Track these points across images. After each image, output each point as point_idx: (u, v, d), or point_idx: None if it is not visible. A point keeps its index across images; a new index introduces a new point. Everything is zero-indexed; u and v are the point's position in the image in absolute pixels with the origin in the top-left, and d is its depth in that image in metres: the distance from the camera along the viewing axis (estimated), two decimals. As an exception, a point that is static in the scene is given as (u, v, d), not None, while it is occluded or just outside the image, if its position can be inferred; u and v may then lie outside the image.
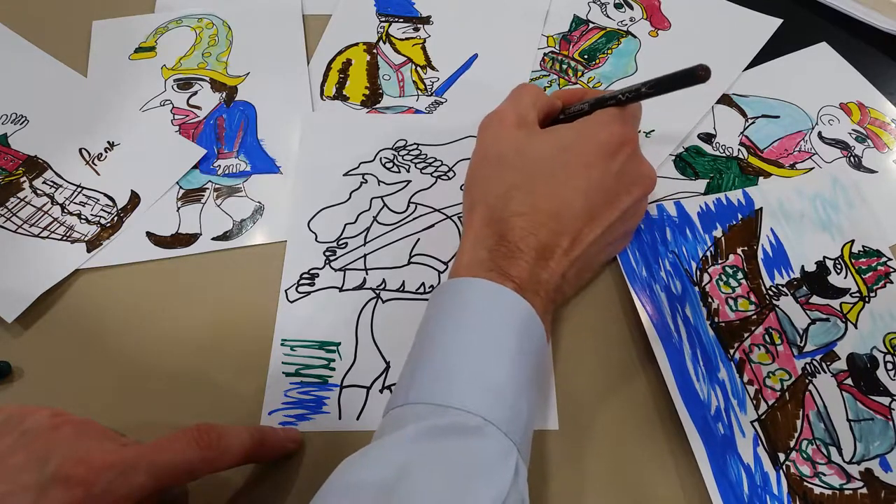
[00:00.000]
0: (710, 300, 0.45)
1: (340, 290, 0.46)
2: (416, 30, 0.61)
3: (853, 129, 0.55)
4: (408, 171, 0.52)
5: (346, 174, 0.51)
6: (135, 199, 0.50)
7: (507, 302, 0.35)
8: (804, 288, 0.46)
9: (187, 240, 0.48)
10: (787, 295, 0.46)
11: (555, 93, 0.46)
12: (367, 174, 0.51)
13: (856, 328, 0.44)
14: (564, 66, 0.58)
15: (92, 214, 0.49)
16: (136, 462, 0.31)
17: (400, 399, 0.33)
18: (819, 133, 0.55)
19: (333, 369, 0.43)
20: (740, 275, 0.46)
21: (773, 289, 0.46)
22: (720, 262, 0.47)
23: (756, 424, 0.41)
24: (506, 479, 0.30)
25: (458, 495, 0.29)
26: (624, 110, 0.41)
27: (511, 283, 0.36)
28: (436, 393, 0.32)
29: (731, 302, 0.45)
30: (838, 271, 0.47)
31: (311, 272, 0.47)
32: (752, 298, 0.45)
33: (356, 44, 0.60)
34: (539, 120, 0.42)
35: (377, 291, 0.46)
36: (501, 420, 0.31)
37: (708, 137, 0.54)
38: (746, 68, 0.58)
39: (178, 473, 0.32)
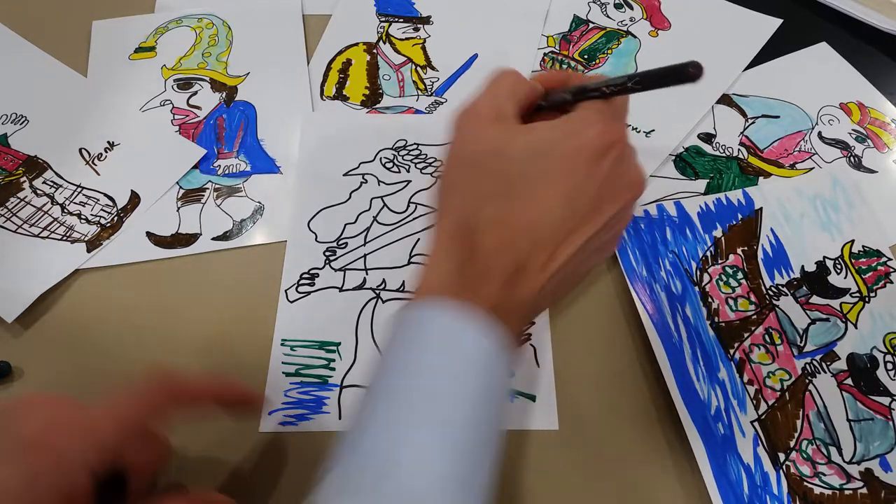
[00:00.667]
0: (710, 300, 0.45)
1: (340, 290, 0.46)
2: (416, 30, 0.61)
3: (853, 129, 0.55)
4: (408, 171, 0.52)
5: (346, 174, 0.51)
6: (135, 199, 0.50)
7: (467, 350, 0.31)
8: (804, 288, 0.46)
9: (187, 240, 0.48)
10: (787, 295, 0.46)
11: (537, 76, 0.42)
12: (367, 174, 0.51)
13: (856, 328, 0.44)
14: (564, 66, 0.58)
15: (92, 214, 0.49)
16: (101, 418, 0.32)
17: (346, 451, 0.30)
18: (819, 133, 0.55)
19: (333, 369, 0.43)
20: (740, 275, 0.46)
21: (773, 289, 0.46)
22: (720, 262, 0.47)
23: (756, 424, 0.41)
24: None
25: None
26: (610, 105, 0.37)
27: (482, 305, 0.32)
28: (381, 455, 0.29)
29: (731, 302, 0.45)
30: (838, 271, 0.47)
31: (311, 272, 0.47)
32: (752, 298, 0.45)
33: (356, 44, 0.60)
34: (519, 109, 0.38)
35: (377, 291, 0.46)
36: (453, 492, 0.28)
37: (708, 137, 0.54)
38: (746, 68, 0.58)
39: (142, 416, 0.34)
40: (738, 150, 0.53)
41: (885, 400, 0.42)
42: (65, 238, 0.48)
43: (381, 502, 0.28)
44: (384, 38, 0.60)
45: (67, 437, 0.31)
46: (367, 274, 0.47)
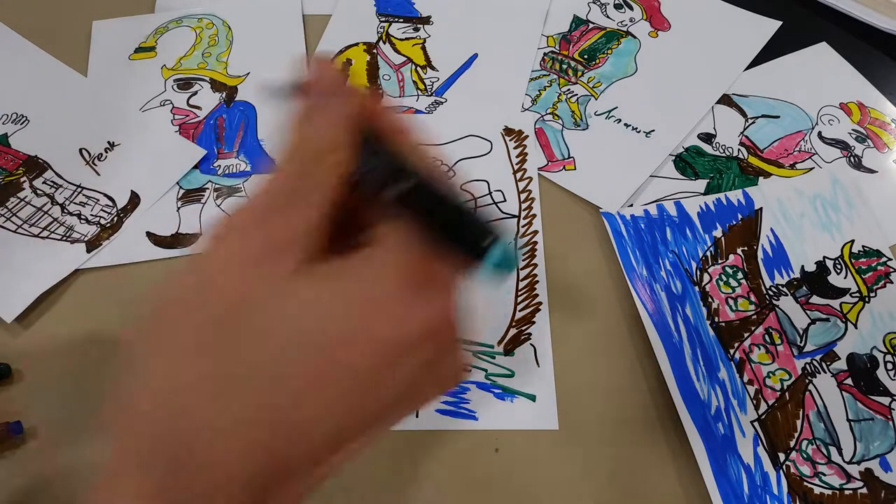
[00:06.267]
0: (710, 300, 0.45)
1: (340, 290, 0.46)
2: (416, 30, 0.61)
3: (853, 129, 0.55)
4: (408, 171, 0.52)
5: (346, 174, 0.51)
6: (135, 199, 0.50)
7: None
8: (804, 288, 0.46)
9: (188, 240, 0.48)
10: (787, 295, 0.46)
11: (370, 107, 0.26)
12: (367, 174, 0.51)
13: (856, 328, 0.44)
14: (564, 66, 0.58)
15: (92, 214, 0.49)
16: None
17: None
18: (819, 133, 0.55)
19: (333, 369, 0.43)
20: (740, 275, 0.46)
21: (773, 289, 0.46)
22: (720, 262, 0.47)
23: (756, 424, 0.41)
24: None
25: None
26: (437, 267, 0.24)
27: None
28: None
29: (731, 302, 0.45)
30: (838, 271, 0.47)
31: (311, 272, 0.47)
32: (752, 298, 0.45)
33: (356, 44, 0.60)
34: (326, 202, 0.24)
35: (377, 291, 0.46)
36: None
37: (708, 137, 0.54)
38: (746, 68, 0.58)
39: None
40: (738, 150, 0.53)
41: (885, 400, 0.42)
42: (65, 238, 0.48)
43: None
44: (384, 38, 0.60)
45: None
46: (367, 274, 0.47)
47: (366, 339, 0.22)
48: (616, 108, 0.56)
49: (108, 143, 0.53)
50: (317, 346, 0.22)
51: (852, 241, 0.48)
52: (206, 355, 0.21)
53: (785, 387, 0.42)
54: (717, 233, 0.48)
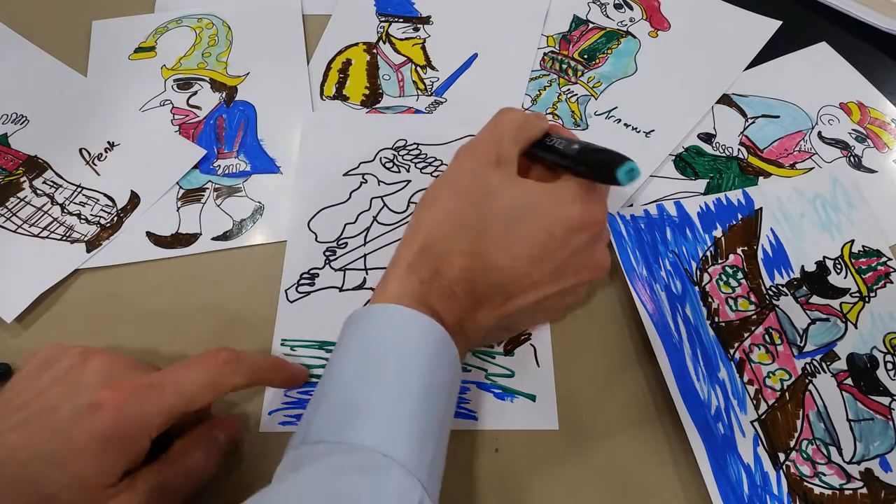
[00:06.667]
0: (710, 300, 0.45)
1: (340, 290, 0.46)
2: (416, 30, 0.61)
3: (853, 129, 0.55)
4: (408, 170, 0.52)
5: (346, 174, 0.51)
6: (135, 199, 0.50)
7: (420, 329, 0.34)
8: (804, 288, 0.46)
9: (187, 240, 0.48)
10: (787, 295, 0.46)
11: (547, 125, 0.42)
12: (367, 174, 0.51)
13: (856, 328, 0.44)
14: (564, 66, 0.58)
15: (92, 214, 0.49)
16: (161, 383, 0.33)
17: (299, 437, 0.32)
18: (819, 133, 0.55)
19: (333, 369, 0.43)
20: (740, 275, 0.46)
21: (773, 289, 0.46)
22: (720, 261, 0.47)
23: (756, 424, 0.41)
24: None
25: None
26: (596, 187, 0.39)
27: (443, 320, 0.35)
28: (334, 430, 0.31)
29: (731, 302, 0.45)
30: (838, 271, 0.47)
31: (311, 272, 0.47)
32: (752, 298, 0.45)
33: (356, 44, 0.60)
34: (520, 152, 0.40)
35: (377, 291, 0.46)
36: (406, 457, 0.30)
37: (708, 137, 0.54)
38: (746, 68, 0.58)
39: (203, 390, 0.34)
40: (738, 150, 0.54)
41: (885, 400, 0.42)
42: (65, 238, 0.48)
43: (344, 451, 0.30)
44: (384, 37, 0.60)
45: (123, 396, 0.32)
46: (367, 274, 0.47)
47: (554, 217, 0.36)
48: (616, 108, 0.56)
49: (108, 143, 0.53)
50: (524, 219, 0.36)
51: (852, 241, 0.48)
52: (460, 212, 0.37)
53: (785, 387, 0.42)
54: (717, 233, 0.48)
